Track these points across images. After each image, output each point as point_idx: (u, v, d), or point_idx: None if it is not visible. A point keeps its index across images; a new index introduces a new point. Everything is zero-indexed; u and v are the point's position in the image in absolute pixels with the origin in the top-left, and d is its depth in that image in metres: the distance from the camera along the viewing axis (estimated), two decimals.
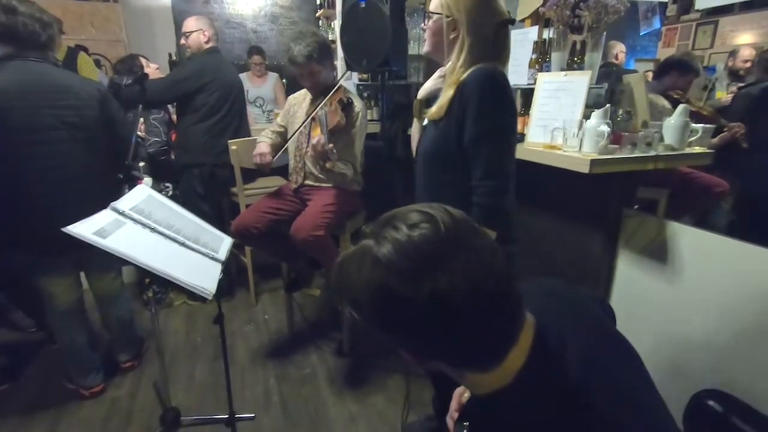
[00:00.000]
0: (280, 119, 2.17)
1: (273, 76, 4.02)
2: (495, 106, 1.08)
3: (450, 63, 1.16)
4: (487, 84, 1.08)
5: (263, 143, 2.01)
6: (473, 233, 0.53)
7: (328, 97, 1.85)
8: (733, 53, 2.73)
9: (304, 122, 1.92)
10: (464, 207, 1.16)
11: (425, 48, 1.23)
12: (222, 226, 2.25)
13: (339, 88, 1.92)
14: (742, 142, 2.06)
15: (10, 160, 1.49)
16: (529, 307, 0.58)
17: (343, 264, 0.55)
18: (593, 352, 0.57)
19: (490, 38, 1.13)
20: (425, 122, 1.29)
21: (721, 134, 2.08)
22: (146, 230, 1.12)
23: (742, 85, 2.49)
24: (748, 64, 2.60)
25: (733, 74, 2.65)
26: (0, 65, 1.48)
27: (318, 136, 1.71)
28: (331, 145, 1.68)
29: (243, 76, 3.82)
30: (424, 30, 1.22)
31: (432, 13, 1.16)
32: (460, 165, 1.15)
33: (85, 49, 3.29)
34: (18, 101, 1.46)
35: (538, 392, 0.53)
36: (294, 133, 1.99)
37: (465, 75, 1.11)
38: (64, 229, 0.96)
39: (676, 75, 2.29)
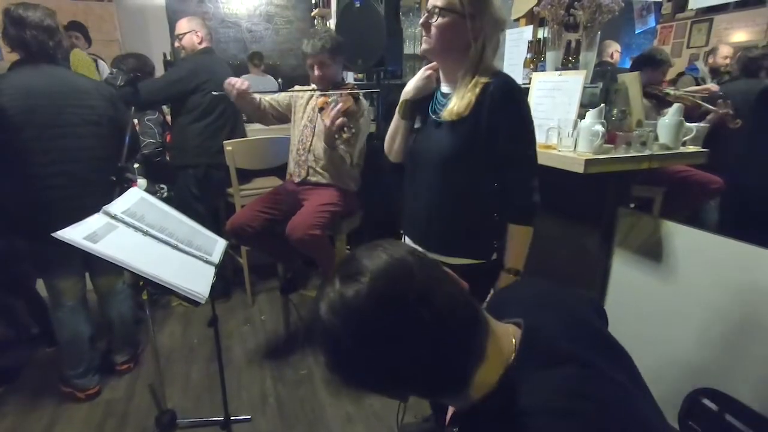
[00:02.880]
0: (281, 97, 2.13)
1: (268, 79, 4.02)
2: (528, 113, 1.14)
3: (470, 64, 1.11)
4: (520, 94, 1.13)
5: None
6: (407, 274, 0.53)
7: (345, 94, 1.89)
8: (712, 51, 2.76)
9: (309, 107, 1.95)
10: (488, 202, 1.17)
11: (430, 46, 1.13)
12: (217, 227, 2.25)
13: (349, 84, 1.97)
14: (730, 122, 2.07)
15: (30, 153, 1.57)
16: (516, 311, 0.58)
17: (310, 309, 0.58)
18: (582, 355, 0.56)
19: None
20: (417, 124, 1.26)
21: (708, 117, 2.09)
22: (138, 234, 1.11)
23: (720, 82, 2.51)
24: (728, 61, 2.63)
25: (714, 72, 2.67)
26: (19, 68, 1.60)
27: (335, 111, 1.75)
28: (345, 119, 1.75)
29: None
30: (428, 26, 1.11)
31: (443, 9, 1.08)
32: (482, 168, 1.15)
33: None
34: (44, 99, 1.57)
35: (522, 398, 0.53)
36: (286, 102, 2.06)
37: (489, 79, 1.09)
38: (54, 234, 0.95)
39: (650, 70, 2.31)
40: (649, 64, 2.33)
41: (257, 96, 2.02)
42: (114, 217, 1.11)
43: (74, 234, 0.97)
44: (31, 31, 1.53)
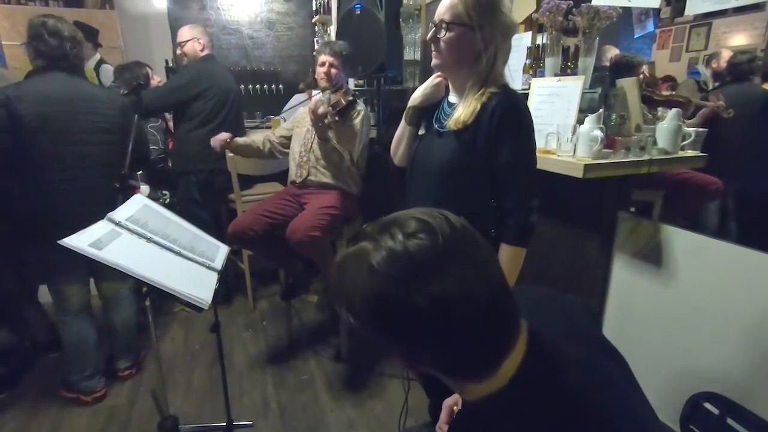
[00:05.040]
0: (288, 123, 2.27)
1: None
2: (530, 132, 1.12)
3: (480, 73, 1.09)
4: (523, 110, 1.10)
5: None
6: (471, 244, 0.52)
7: (340, 93, 2.00)
8: (714, 56, 2.76)
9: (307, 99, 2.08)
10: (485, 218, 1.14)
11: (441, 61, 1.12)
12: (219, 232, 2.25)
13: (345, 86, 2.06)
14: (723, 113, 2.06)
15: (45, 158, 1.61)
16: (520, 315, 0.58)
17: (341, 265, 0.55)
18: (584, 357, 0.57)
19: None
20: (422, 131, 1.26)
21: (700, 112, 2.09)
22: (142, 240, 1.13)
23: (714, 87, 2.52)
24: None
25: (716, 76, 2.67)
26: (38, 75, 1.65)
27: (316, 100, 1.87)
28: (330, 108, 1.84)
29: None
30: (437, 41, 1.09)
31: (451, 23, 1.05)
32: (481, 181, 1.14)
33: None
34: (59, 105, 1.61)
35: (530, 398, 0.53)
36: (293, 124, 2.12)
37: (496, 90, 1.08)
38: (60, 242, 0.96)
39: (628, 74, 2.32)
40: (625, 68, 2.34)
41: (252, 139, 2.21)
42: (118, 224, 1.12)
43: (79, 241, 0.98)
44: (54, 43, 1.60)
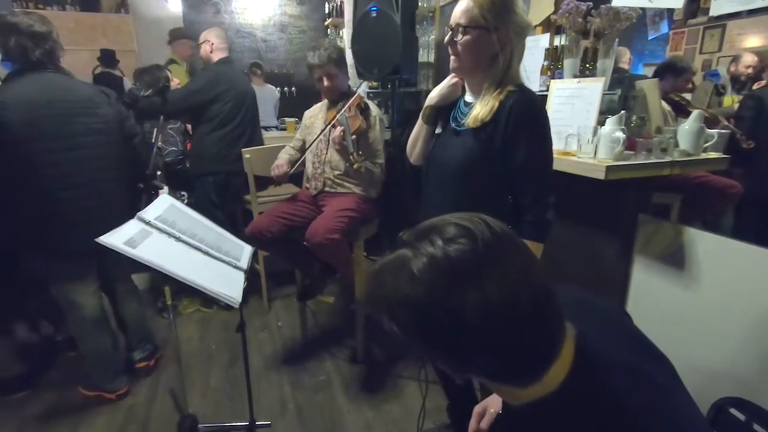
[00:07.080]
0: (298, 134, 2.25)
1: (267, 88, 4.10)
2: (547, 129, 1.14)
3: (497, 73, 1.11)
4: (540, 108, 1.14)
5: (282, 157, 2.12)
6: (512, 248, 0.51)
7: (348, 103, 1.92)
8: (735, 59, 2.73)
9: (326, 127, 1.98)
10: (502, 215, 1.16)
11: (459, 64, 1.14)
12: (236, 233, 2.27)
13: (356, 94, 1.99)
14: (743, 143, 2.05)
15: (39, 166, 1.52)
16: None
17: (380, 274, 0.54)
18: (630, 361, 0.57)
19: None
20: (438, 130, 1.28)
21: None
22: (171, 239, 1.14)
23: (757, 87, 2.50)
24: (750, 70, 2.61)
25: (735, 80, 2.64)
26: (18, 78, 1.52)
27: (339, 130, 1.82)
28: (354, 137, 1.80)
29: None
30: (454, 44, 1.11)
31: (467, 27, 1.08)
32: (497, 179, 1.15)
33: None
34: (47, 110, 1.50)
35: (581, 404, 0.52)
36: (313, 141, 2.05)
37: (513, 89, 1.10)
38: (98, 240, 0.98)
39: (672, 78, 2.32)
40: (671, 71, 2.34)
41: (289, 154, 2.16)
42: (148, 224, 1.13)
43: (114, 240, 1.00)
44: (17, 38, 1.47)
